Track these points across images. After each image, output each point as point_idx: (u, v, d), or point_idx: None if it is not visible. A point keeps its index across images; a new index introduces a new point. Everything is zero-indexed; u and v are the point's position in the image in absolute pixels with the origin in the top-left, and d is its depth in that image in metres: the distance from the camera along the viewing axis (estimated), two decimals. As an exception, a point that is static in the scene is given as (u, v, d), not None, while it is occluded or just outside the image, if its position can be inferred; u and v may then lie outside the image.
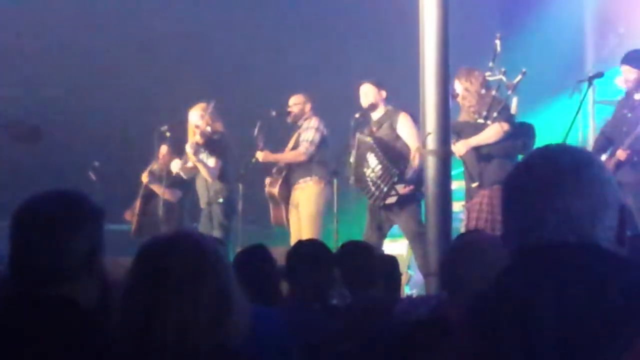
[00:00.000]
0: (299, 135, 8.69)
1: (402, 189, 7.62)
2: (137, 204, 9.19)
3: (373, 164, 7.77)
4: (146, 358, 2.08)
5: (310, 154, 8.56)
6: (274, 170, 8.72)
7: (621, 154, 7.52)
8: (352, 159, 7.94)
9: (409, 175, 7.63)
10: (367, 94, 8.10)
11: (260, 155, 8.60)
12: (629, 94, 7.81)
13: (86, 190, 2.62)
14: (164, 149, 9.27)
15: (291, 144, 8.72)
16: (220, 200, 8.57)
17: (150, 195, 9.17)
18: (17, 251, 2.43)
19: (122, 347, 2.11)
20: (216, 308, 2.11)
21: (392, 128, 7.85)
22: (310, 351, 4.04)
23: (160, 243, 2.22)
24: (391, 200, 7.64)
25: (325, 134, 8.66)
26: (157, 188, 9.05)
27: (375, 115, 8.08)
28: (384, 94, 8.09)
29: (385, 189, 7.63)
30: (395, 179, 7.62)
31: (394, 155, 7.76)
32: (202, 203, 8.76)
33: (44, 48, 10.59)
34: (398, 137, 7.85)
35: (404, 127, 7.86)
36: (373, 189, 7.70)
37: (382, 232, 7.96)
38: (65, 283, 2.38)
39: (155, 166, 9.19)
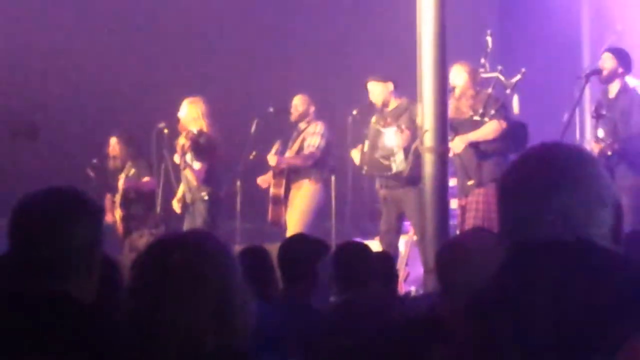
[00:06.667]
0: (304, 139, 8.67)
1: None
2: (118, 210, 9.18)
3: (381, 145, 7.83)
4: (150, 357, 2.08)
5: (316, 160, 8.58)
6: (276, 171, 8.68)
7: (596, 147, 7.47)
8: (365, 149, 7.96)
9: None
10: (374, 92, 8.05)
11: (272, 160, 8.59)
12: (605, 93, 7.81)
13: (84, 187, 2.63)
14: (113, 140, 9.31)
15: (296, 146, 8.70)
16: (205, 197, 8.50)
17: (130, 199, 9.18)
18: (16, 248, 2.44)
19: (128, 346, 2.12)
20: (220, 308, 2.10)
21: (412, 119, 7.68)
22: (306, 349, 4.04)
23: (165, 243, 2.22)
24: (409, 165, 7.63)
25: (329, 139, 8.66)
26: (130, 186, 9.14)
27: (388, 108, 8.03)
28: (391, 86, 8.02)
29: (400, 151, 7.65)
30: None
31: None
32: (188, 199, 8.71)
33: (42, 44, 10.58)
34: (417, 128, 7.77)
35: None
36: (388, 163, 7.72)
37: (398, 227, 8.01)
38: (63, 279, 2.39)
39: (132, 171, 9.22)
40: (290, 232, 8.01)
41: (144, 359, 2.09)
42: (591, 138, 7.91)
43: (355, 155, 8.12)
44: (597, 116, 7.56)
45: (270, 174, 8.76)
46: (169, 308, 2.09)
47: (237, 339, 2.12)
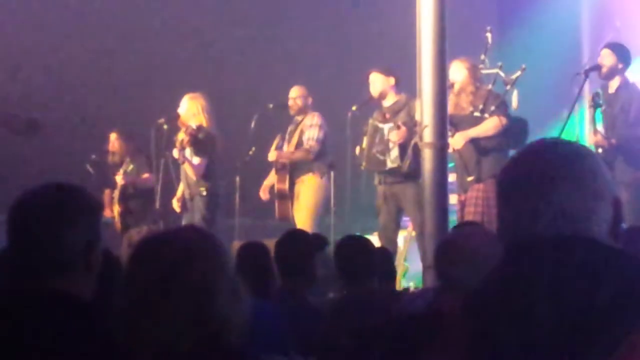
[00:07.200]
0: (302, 132, 8.67)
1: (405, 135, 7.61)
2: (116, 205, 9.17)
3: (378, 140, 7.86)
4: (139, 355, 2.08)
5: (316, 153, 8.59)
6: (279, 166, 8.68)
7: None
8: (364, 145, 7.97)
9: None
10: (374, 82, 8.06)
11: (273, 155, 8.60)
12: (604, 88, 7.80)
13: (84, 183, 2.62)
14: (113, 136, 9.31)
15: (294, 139, 8.69)
16: (204, 193, 8.49)
17: (128, 195, 9.18)
18: (14, 244, 2.44)
19: (119, 342, 2.11)
20: (202, 307, 2.08)
21: (410, 116, 7.72)
22: (307, 345, 4.04)
23: (149, 241, 2.21)
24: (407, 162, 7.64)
25: (326, 130, 8.67)
26: (135, 180, 9.11)
27: (386, 103, 8.05)
28: (392, 81, 8.02)
29: (395, 147, 7.65)
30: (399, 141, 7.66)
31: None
32: (186, 194, 8.71)
33: (42, 41, 10.58)
34: (415, 125, 7.79)
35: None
36: (384, 158, 7.73)
37: (397, 223, 8.01)
38: (61, 276, 2.38)
39: (130, 167, 9.21)
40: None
41: (130, 357, 2.09)
42: (589, 129, 7.90)
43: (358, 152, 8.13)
44: (595, 105, 7.55)
45: (272, 172, 8.75)
46: (150, 305, 2.08)
47: (228, 336, 2.10)
